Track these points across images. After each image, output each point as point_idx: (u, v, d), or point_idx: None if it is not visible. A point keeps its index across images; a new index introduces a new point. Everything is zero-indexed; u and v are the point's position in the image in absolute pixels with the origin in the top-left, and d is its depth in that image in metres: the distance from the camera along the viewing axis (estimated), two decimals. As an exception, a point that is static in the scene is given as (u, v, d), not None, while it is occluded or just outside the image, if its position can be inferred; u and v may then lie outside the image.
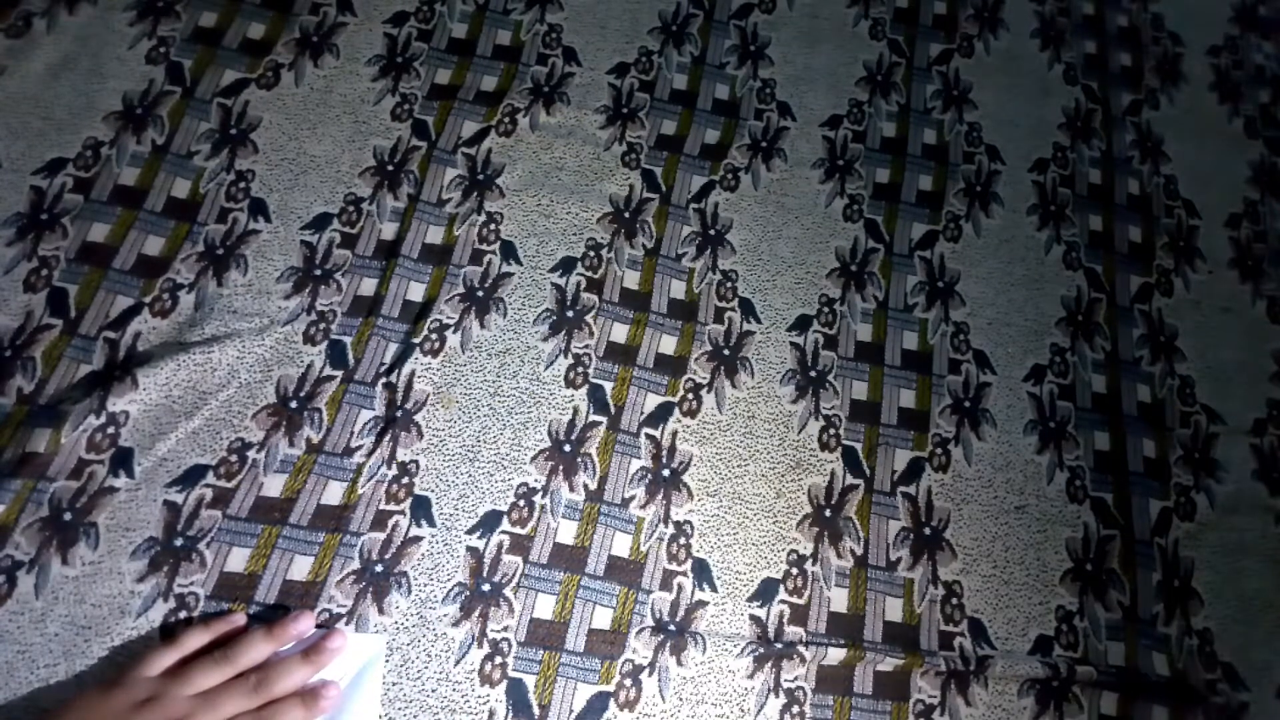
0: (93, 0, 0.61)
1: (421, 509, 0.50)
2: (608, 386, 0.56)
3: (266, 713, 0.39)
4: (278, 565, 0.47)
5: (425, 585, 0.49)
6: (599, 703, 0.48)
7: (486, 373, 0.55)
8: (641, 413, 0.56)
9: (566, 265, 0.59)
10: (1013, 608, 0.54)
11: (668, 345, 0.58)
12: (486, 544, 0.50)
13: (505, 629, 0.48)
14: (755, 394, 0.58)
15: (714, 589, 0.52)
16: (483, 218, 0.60)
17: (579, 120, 0.64)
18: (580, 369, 0.56)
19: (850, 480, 0.56)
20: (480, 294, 0.57)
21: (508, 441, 0.53)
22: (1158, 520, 0.59)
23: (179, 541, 0.47)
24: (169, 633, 0.44)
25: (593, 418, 0.55)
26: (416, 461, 0.51)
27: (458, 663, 0.47)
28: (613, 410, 0.55)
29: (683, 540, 0.53)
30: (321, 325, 0.54)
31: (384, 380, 0.53)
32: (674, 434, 0.55)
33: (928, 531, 0.55)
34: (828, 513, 0.55)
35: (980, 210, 0.67)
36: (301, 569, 0.48)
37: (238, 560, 0.47)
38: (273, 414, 0.51)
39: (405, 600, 0.48)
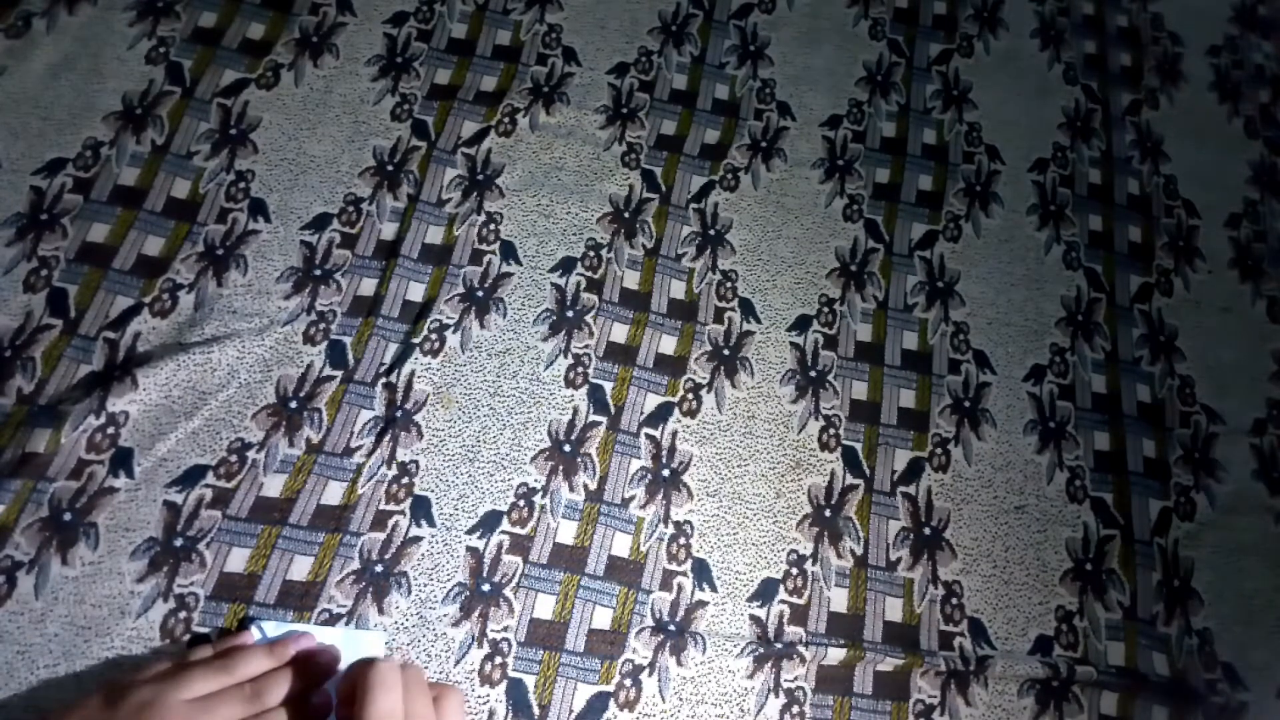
0: (92, 0, 0.61)
1: (421, 509, 0.50)
2: (607, 386, 0.56)
3: (264, 719, 0.39)
4: (277, 565, 0.47)
5: (425, 585, 0.49)
6: (599, 703, 0.48)
7: (486, 373, 0.55)
8: (641, 413, 0.56)
9: (566, 265, 0.59)
10: (1013, 608, 0.54)
11: (667, 345, 0.58)
12: (486, 544, 0.50)
13: (505, 629, 0.48)
14: (755, 394, 0.58)
15: (714, 589, 0.52)
16: (482, 218, 0.60)
17: (579, 120, 0.64)
18: (580, 369, 0.56)
19: (850, 480, 0.56)
20: (480, 294, 0.57)
21: (507, 441, 0.53)
22: (1158, 520, 0.59)
23: (179, 542, 0.47)
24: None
25: (592, 418, 0.55)
26: (416, 461, 0.52)
27: (457, 663, 0.47)
28: (612, 410, 0.55)
29: (682, 540, 0.53)
30: (321, 325, 0.54)
31: (384, 380, 0.53)
32: (674, 434, 0.55)
33: (927, 531, 0.56)
34: (827, 513, 0.55)
35: (980, 210, 0.67)
36: (301, 569, 0.48)
37: (237, 560, 0.47)
38: (272, 414, 0.51)
39: (405, 600, 0.48)
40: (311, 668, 0.42)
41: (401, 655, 0.47)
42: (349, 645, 0.45)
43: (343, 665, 0.44)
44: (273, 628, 0.45)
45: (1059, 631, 0.54)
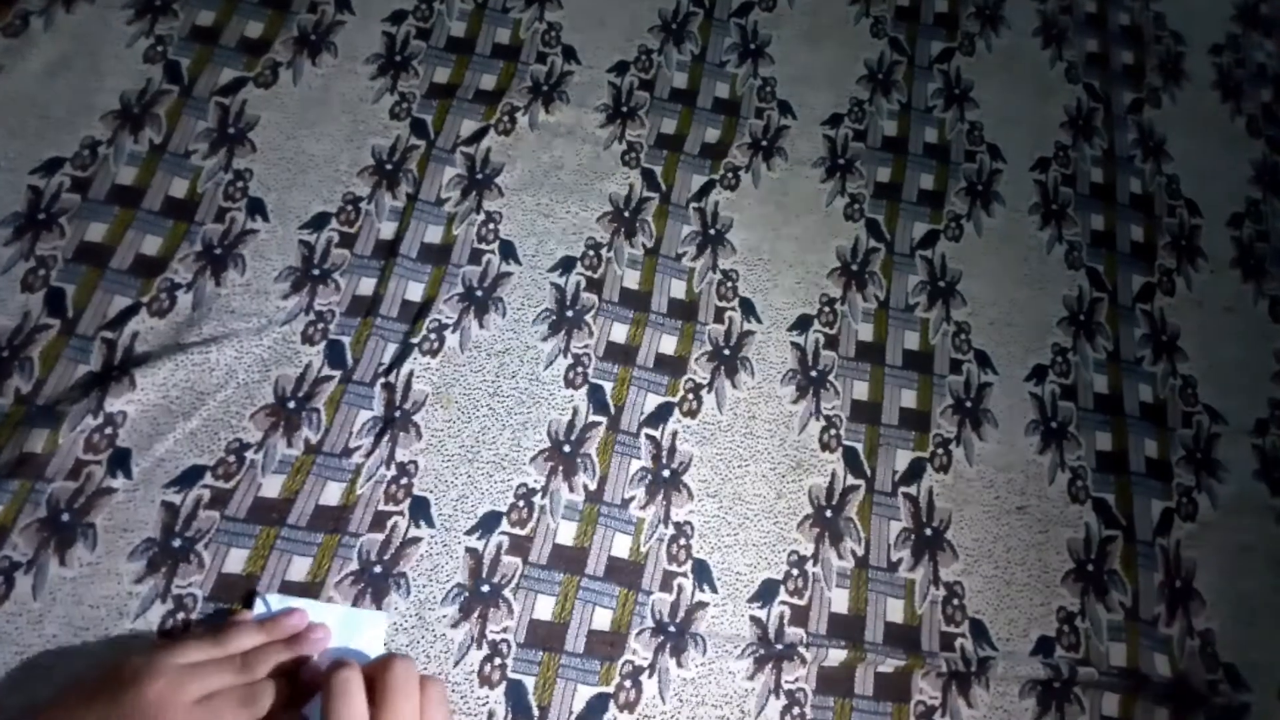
0: (90, -1, 0.61)
1: (420, 510, 0.50)
2: (607, 386, 0.56)
3: (254, 689, 0.40)
4: (276, 566, 0.47)
5: (424, 586, 0.48)
6: (599, 704, 0.48)
7: (485, 373, 0.55)
8: (641, 413, 0.55)
9: (566, 265, 0.59)
10: (1014, 608, 0.54)
11: (668, 345, 0.58)
12: (486, 545, 0.50)
13: (504, 630, 0.48)
14: (756, 394, 0.57)
15: (714, 590, 0.51)
16: (482, 217, 0.60)
17: (578, 119, 0.64)
18: (580, 369, 0.56)
19: (851, 481, 0.56)
20: (479, 294, 0.57)
21: (507, 442, 0.53)
22: (1160, 521, 0.58)
23: (177, 542, 0.47)
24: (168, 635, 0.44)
25: (592, 418, 0.55)
26: (415, 462, 0.51)
27: (457, 664, 0.47)
28: (612, 410, 0.55)
29: (683, 541, 0.52)
30: (320, 325, 0.54)
31: (382, 380, 0.53)
32: (674, 434, 0.55)
33: (929, 532, 0.55)
34: (828, 513, 0.55)
35: (982, 209, 0.67)
36: (300, 570, 0.47)
37: (236, 561, 0.47)
38: (271, 414, 0.51)
39: (404, 601, 0.48)
40: (303, 644, 0.43)
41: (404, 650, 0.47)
42: (351, 625, 0.45)
43: (345, 643, 0.45)
44: (277, 601, 0.45)
45: (1060, 632, 0.54)
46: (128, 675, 0.37)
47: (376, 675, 0.40)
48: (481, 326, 0.56)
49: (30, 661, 0.43)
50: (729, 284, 0.61)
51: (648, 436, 0.55)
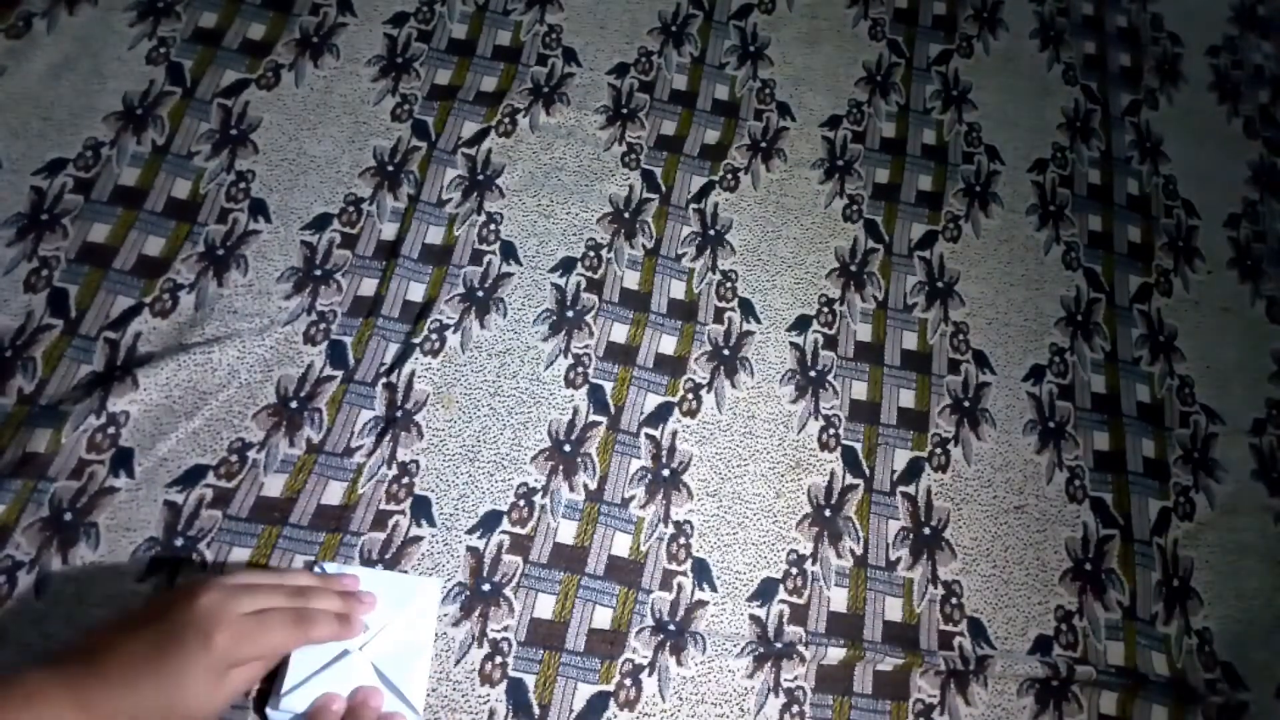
0: (93, 1, 0.61)
1: (422, 509, 0.50)
2: (608, 386, 0.56)
3: (305, 613, 0.41)
4: (278, 565, 0.47)
5: (425, 585, 0.49)
6: (599, 702, 0.48)
7: (486, 373, 0.55)
8: (641, 413, 0.56)
9: (566, 265, 0.59)
10: (1012, 607, 0.54)
11: (667, 345, 0.58)
12: (486, 544, 0.50)
13: (505, 629, 0.48)
14: (755, 394, 0.58)
15: (714, 589, 0.52)
16: (483, 218, 0.60)
17: (579, 120, 0.65)
18: (580, 369, 0.56)
19: (850, 480, 0.56)
20: (480, 294, 0.57)
21: (508, 441, 0.53)
22: (1157, 520, 0.59)
23: (179, 541, 0.47)
24: None
25: (593, 418, 0.55)
26: (417, 461, 0.52)
27: (458, 662, 0.47)
28: (613, 410, 0.55)
29: (682, 540, 0.53)
30: (322, 325, 0.54)
31: (384, 380, 0.53)
32: (674, 434, 0.55)
33: (927, 531, 0.56)
34: (827, 512, 0.55)
35: (980, 210, 0.68)
36: (302, 569, 0.48)
37: (238, 560, 0.47)
38: (273, 414, 0.51)
39: (405, 600, 0.48)
40: (353, 600, 0.44)
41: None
42: (406, 592, 0.46)
43: (399, 609, 0.45)
44: (334, 569, 0.46)
45: (1058, 631, 0.54)
46: (181, 592, 0.39)
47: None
48: (482, 327, 0.56)
49: (33, 661, 0.43)
50: (728, 284, 0.61)
51: (648, 436, 0.55)
